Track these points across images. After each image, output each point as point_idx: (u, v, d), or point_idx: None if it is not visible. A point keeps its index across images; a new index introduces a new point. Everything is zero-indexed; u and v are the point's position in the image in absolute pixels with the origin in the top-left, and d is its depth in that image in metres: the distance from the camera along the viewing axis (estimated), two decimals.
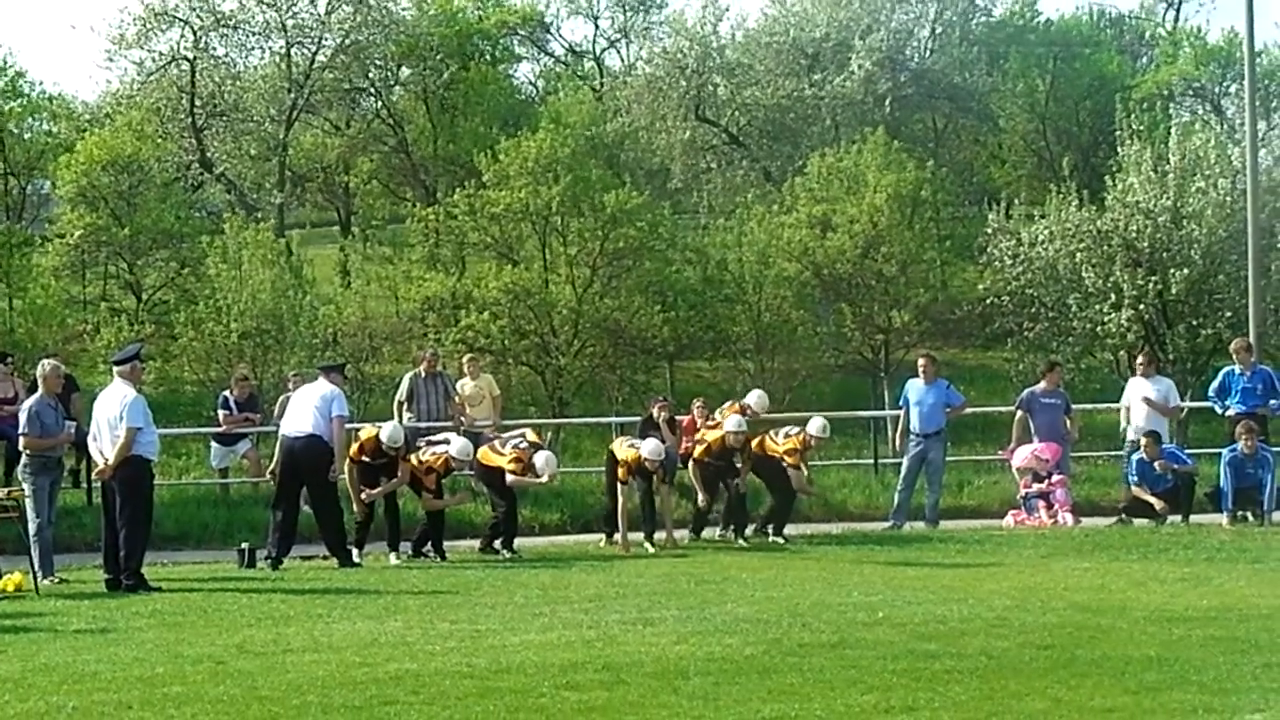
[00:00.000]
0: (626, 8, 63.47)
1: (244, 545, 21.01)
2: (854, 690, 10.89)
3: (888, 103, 50.83)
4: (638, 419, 27.93)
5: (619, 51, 65.35)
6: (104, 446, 18.27)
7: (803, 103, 50.58)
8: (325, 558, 20.85)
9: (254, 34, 50.74)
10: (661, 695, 10.80)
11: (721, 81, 51.06)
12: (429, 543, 21.64)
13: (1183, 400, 28.73)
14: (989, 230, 37.70)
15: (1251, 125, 32.03)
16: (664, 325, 37.22)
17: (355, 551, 20.99)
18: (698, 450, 23.15)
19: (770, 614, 14.72)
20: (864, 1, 52.50)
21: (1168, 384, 25.80)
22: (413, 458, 21.72)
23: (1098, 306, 35.01)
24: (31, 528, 18.76)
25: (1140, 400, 25.00)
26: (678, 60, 51.61)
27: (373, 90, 53.08)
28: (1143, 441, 24.15)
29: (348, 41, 49.85)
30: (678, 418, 25.58)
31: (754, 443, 23.25)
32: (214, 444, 28.62)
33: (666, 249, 39.58)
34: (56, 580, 18.76)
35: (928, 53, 54.91)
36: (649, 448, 22.11)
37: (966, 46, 54.35)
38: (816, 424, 23.27)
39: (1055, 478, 24.64)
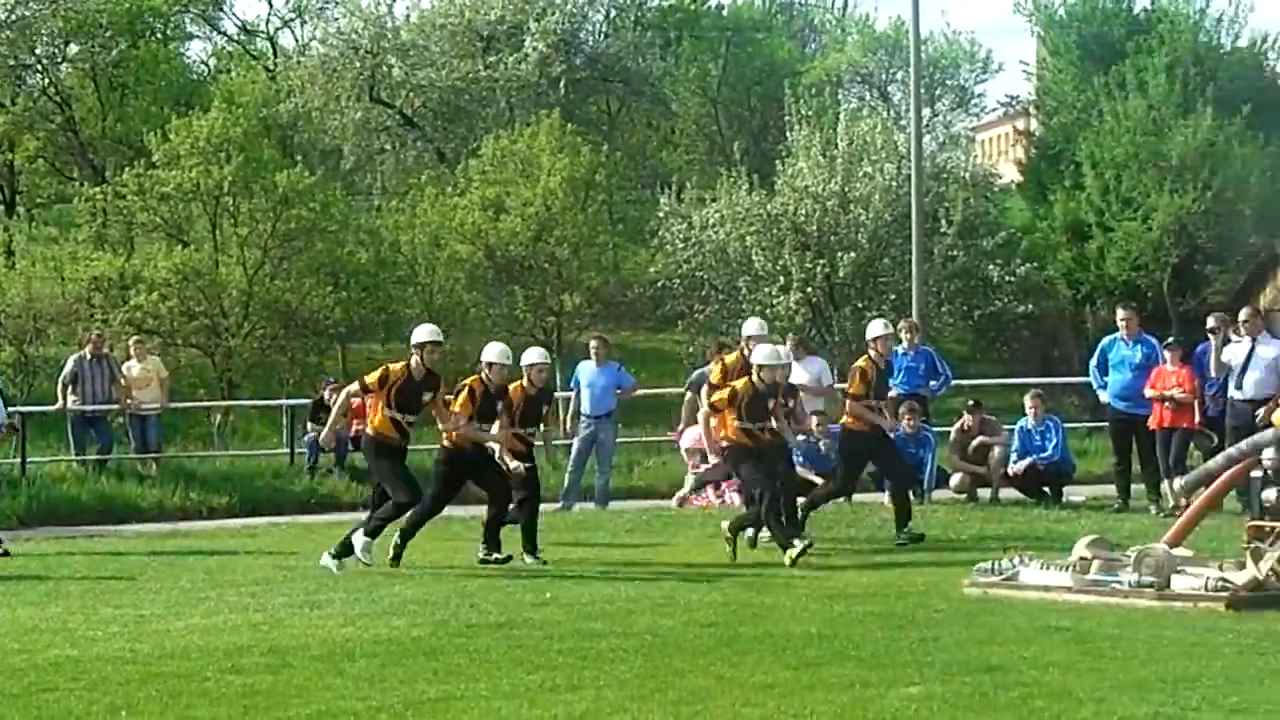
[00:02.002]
0: None
1: None
2: (520, 670, 10.96)
3: (562, 85, 51.00)
4: (309, 401, 27.80)
5: (293, 31, 64.45)
6: None
7: (477, 84, 50.51)
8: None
9: None
10: (327, 678, 10.76)
11: (396, 63, 50.79)
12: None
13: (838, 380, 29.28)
14: (661, 214, 38.18)
15: (916, 111, 32.88)
16: (336, 306, 37.11)
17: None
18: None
19: (438, 595, 14.75)
20: None
21: (820, 364, 25.87)
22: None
23: (767, 289, 35.63)
24: None
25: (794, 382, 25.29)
26: (352, 41, 51.21)
27: (39, 67, 51.79)
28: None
29: (13, 17, 48.62)
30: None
31: None
32: None
33: (339, 230, 39.44)
34: None
35: (602, 36, 55.20)
36: None
37: (640, 31, 54.78)
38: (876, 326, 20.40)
39: None
